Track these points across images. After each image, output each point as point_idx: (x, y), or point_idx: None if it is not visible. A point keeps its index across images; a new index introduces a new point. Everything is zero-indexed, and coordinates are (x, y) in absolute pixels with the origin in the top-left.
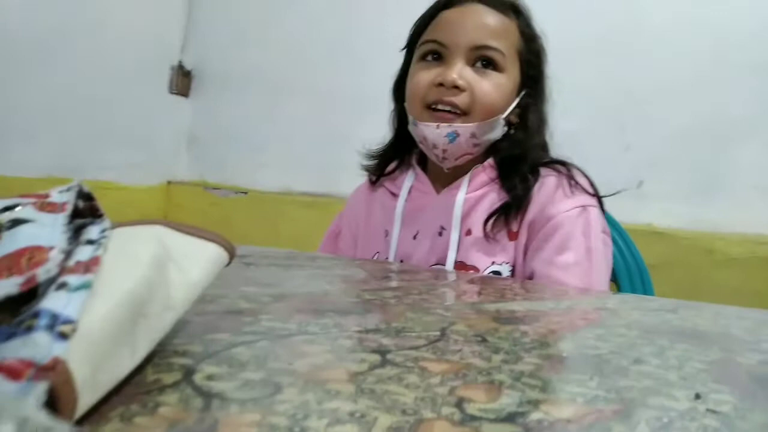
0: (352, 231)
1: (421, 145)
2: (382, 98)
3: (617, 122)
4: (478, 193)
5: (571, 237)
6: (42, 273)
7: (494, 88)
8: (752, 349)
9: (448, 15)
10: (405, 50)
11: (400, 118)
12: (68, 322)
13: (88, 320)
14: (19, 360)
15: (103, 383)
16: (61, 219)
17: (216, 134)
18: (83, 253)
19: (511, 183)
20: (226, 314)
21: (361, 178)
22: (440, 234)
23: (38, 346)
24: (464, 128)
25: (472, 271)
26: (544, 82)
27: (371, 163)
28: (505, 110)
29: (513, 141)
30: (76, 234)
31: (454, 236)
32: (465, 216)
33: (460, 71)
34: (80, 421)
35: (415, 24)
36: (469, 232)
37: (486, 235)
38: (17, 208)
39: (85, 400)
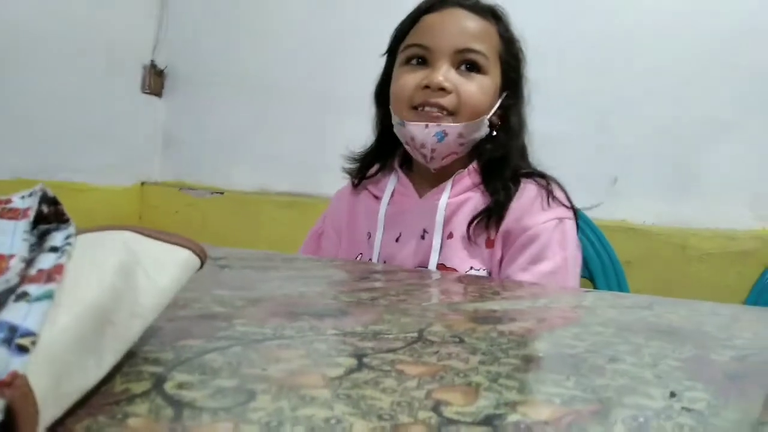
0: (336, 231)
1: (407, 146)
2: (360, 97)
3: (592, 120)
4: (460, 197)
5: (548, 247)
6: (1, 283)
7: (479, 89)
8: (725, 346)
9: (430, 19)
10: (387, 54)
11: (383, 121)
12: (28, 334)
13: (49, 331)
14: None
15: (67, 395)
16: (22, 225)
17: (191, 134)
18: (46, 261)
19: (494, 187)
20: (198, 319)
21: (342, 179)
22: (423, 237)
23: None
24: (452, 128)
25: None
26: (523, 85)
27: (353, 166)
28: (489, 111)
29: (496, 143)
30: (39, 240)
31: (437, 239)
32: (447, 220)
33: (445, 74)
34: None
35: (396, 28)
36: (450, 236)
37: (469, 238)
38: None
39: (49, 414)
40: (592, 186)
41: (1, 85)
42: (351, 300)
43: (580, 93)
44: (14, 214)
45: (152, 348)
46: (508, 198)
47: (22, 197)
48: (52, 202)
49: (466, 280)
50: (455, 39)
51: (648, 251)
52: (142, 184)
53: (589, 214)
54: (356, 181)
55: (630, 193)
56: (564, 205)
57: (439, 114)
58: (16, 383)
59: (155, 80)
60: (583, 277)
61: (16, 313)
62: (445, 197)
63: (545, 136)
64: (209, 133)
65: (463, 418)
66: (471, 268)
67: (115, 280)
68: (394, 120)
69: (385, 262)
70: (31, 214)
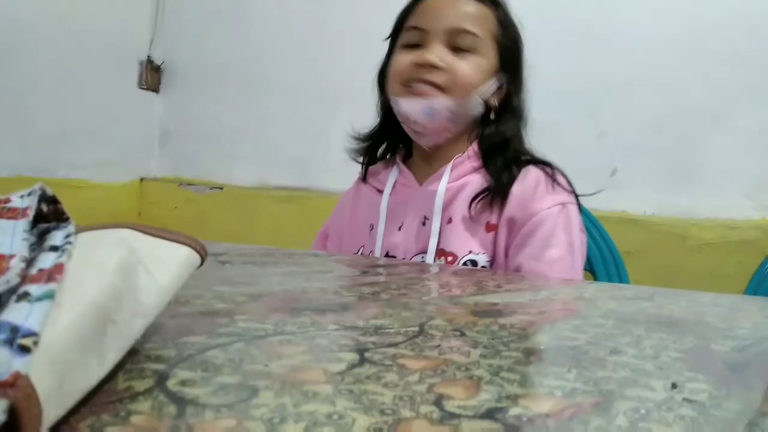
0: (338, 232)
1: (404, 126)
2: (359, 91)
3: (591, 111)
4: (459, 182)
5: (554, 233)
6: (1, 284)
7: (471, 67)
8: (726, 336)
9: (428, 3)
10: (389, 40)
11: (384, 106)
12: (30, 334)
13: (51, 331)
14: None
15: (70, 394)
16: (22, 225)
17: (189, 129)
18: (46, 260)
19: (495, 167)
20: (200, 316)
21: (340, 171)
22: (424, 224)
23: None
24: (441, 102)
25: (450, 258)
26: (522, 70)
27: (358, 147)
28: (483, 90)
29: (496, 127)
30: (39, 239)
31: (436, 224)
32: (447, 204)
33: (437, 52)
34: None
35: (399, 14)
36: (450, 220)
37: (471, 218)
38: None
39: (52, 414)
40: (591, 177)
41: None
42: (352, 295)
43: (574, 83)
44: (14, 214)
45: (154, 345)
46: (511, 179)
47: (21, 196)
48: (52, 200)
49: (466, 273)
50: (449, 20)
51: (648, 242)
52: (141, 180)
53: (589, 205)
54: (364, 174)
55: (629, 183)
56: (566, 190)
57: (430, 90)
58: (18, 384)
59: (152, 76)
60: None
61: (17, 314)
62: (444, 182)
63: (541, 128)
64: (207, 129)
65: (464, 412)
66: (470, 251)
67: (116, 279)
68: (391, 99)
69: (388, 252)
70: (31, 213)
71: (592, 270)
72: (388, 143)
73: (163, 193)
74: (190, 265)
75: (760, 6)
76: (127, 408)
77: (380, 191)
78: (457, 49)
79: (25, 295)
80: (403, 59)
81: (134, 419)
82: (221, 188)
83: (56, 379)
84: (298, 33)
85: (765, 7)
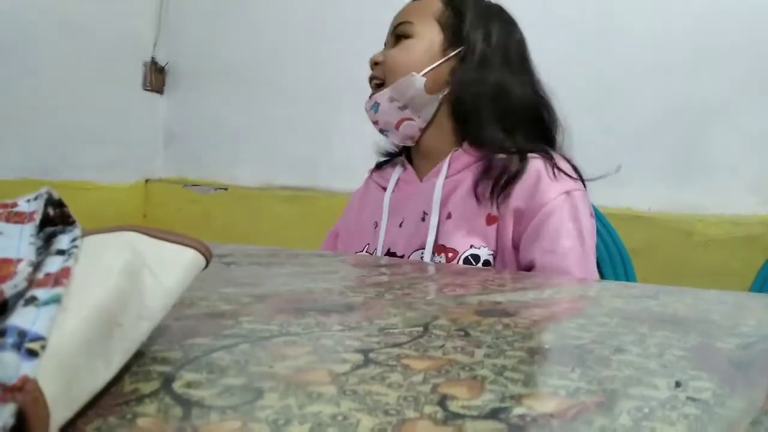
0: (346, 231)
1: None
2: (362, 91)
3: (595, 107)
4: (457, 176)
5: (563, 224)
6: (9, 288)
7: (400, 51)
8: (731, 334)
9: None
10: None
11: None
12: (37, 338)
13: (58, 335)
14: None
15: (77, 397)
16: (29, 229)
17: (193, 130)
18: (53, 264)
19: (479, 140)
20: (205, 317)
21: (345, 170)
22: (423, 219)
23: (5, 365)
24: (381, 95)
25: (450, 254)
26: (474, 41)
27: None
28: (422, 68)
29: (458, 95)
30: (46, 243)
31: (434, 220)
32: (445, 199)
33: (383, 51)
34: None
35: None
36: (449, 216)
37: (477, 199)
38: None
39: (59, 417)
40: (595, 173)
41: (3, 85)
42: (356, 295)
43: (577, 79)
44: (20, 218)
45: (160, 347)
46: (508, 161)
47: (28, 201)
48: (58, 204)
49: (470, 272)
50: (393, 22)
51: (654, 239)
52: (146, 181)
53: (594, 202)
54: (373, 169)
55: (634, 180)
56: (570, 177)
57: (376, 88)
58: (27, 387)
59: (156, 77)
60: None
61: (25, 318)
62: (442, 177)
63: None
64: (211, 129)
65: (469, 412)
66: (471, 246)
67: (122, 282)
68: None
69: (389, 248)
70: (37, 217)
71: (597, 267)
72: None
73: (167, 195)
74: (194, 268)
75: (765, 1)
76: (134, 410)
77: (385, 189)
78: (398, 43)
79: (33, 300)
80: None
81: (140, 421)
82: (226, 189)
83: (63, 382)
84: (302, 33)
85: None
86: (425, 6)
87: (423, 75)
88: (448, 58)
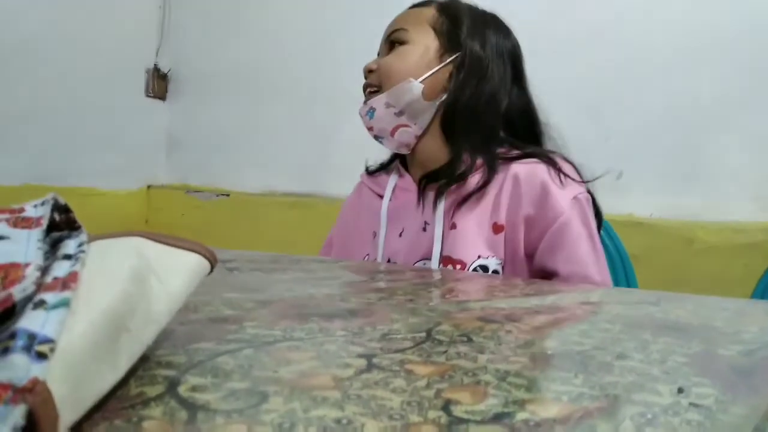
0: (342, 240)
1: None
2: (362, 97)
3: (595, 114)
4: (459, 184)
5: (578, 231)
6: (18, 292)
7: (396, 57)
8: (733, 341)
9: None
10: None
11: None
12: (46, 341)
13: (67, 338)
14: None
15: (84, 400)
16: (36, 234)
17: (196, 136)
18: (60, 268)
19: (458, 153)
20: (209, 322)
21: (347, 177)
22: (424, 229)
23: (16, 367)
24: (377, 101)
25: (459, 266)
26: (471, 47)
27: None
28: (418, 74)
29: (453, 102)
30: (53, 248)
31: (438, 230)
32: (448, 208)
33: (377, 58)
34: None
35: None
36: (453, 226)
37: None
38: None
39: (67, 419)
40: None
41: (7, 92)
42: (359, 301)
43: (574, 86)
44: (27, 223)
45: (165, 351)
46: (492, 158)
47: (35, 206)
48: (64, 209)
49: (472, 278)
50: (387, 30)
51: (654, 245)
52: (149, 187)
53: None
54: (365, 174)
55: (635, 186)
56: (575, 180)
57: (371, 94)
58: (36, 389)
59: (159, 84)
60: None
61: (34, 321)
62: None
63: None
64: (214, 136)
65: (472, 417)
66: (479, 256)
67: (128, 287)
68: None
69: (389, 259)
70: (44, 222)
71: None
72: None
73: (170, 201)
74: (200, 272)
75: (766, 7)
76: (139, 414)
77: (381, 196)
78: (393, 50)
79: (41, 303)
80: None
81: (146, 425)
82: (228, 195)
83: (71, 385)
84: (304, 40)
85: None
86: (419, 14)
87: (421, 81)
88: (446, 64)
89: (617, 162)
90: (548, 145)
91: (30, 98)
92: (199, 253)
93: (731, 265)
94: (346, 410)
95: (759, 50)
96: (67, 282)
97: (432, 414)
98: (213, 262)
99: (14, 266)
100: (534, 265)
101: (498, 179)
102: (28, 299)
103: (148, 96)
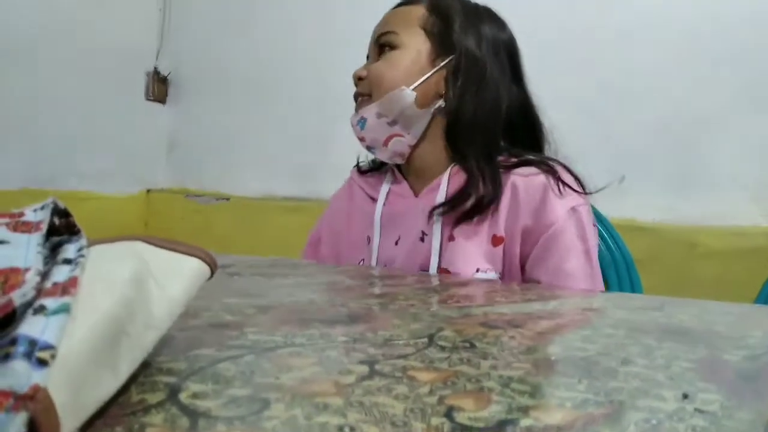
0: (332, 237)
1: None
2: None
3: (597, 118)
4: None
5: (570, 243)
6: (18, 297)
7: (386, 64)
8: (737, 346)
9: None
10: None
11: None
12: (47, 347)
13: (67, 344)
14: None
15: (85, 407)
16: (36, 239)
17: (195, 140)
18: (60, 273)
19: (472, 174)
20: (209, 328)
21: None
22: (422, 239)
23: (17, 374)
24: (368, 110)
25: None
26: (465, 48)
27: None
28: (411, 81)
29: (456, 112)
30: (52, 253)
31: (436, 243)
32: (446, 220)
33: (367, 64)
34: None
35: None
36: (451, 238)
37: (474, 226)
38: None
39: (69, 426)
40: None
41: (6, 95)
42: (360, 306)
43: (575, 91)
44: (27, 228)
45: (166, 358)
46: (496, 187)
47: (35, 210)
48: (63, 214)
49: (475, 284)
50: (377, 29)
51: (657, 249)
52: (148, 191)
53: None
54: (355, 170)
55: (637, 190)
56: (575, 191)
57: (362, 103)
58: (38, 396)
59: (159, 87)
60: None
61: (34, 327)
62: (441, 195)
63: (549, 134)
64: (214, 139)
65: (475, 424)
66: (478, 270)
67: (129, 292)
68: None
69: (385, 265)
70: (44, 227)
71: (603, 275)
72: None
73: (169, 205)
74: (200, 277)
75: (766, 9)
76: (141, 421)
77: (373, 199)
78: (381, 53)
79: (42, 309)
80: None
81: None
82: (228, 199)
83: (72, 391)
84: (304, 43)
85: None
86: (408, 13)
87: (413, 89)
88: (439, 68)
89: (619, 166)
90: (547, 147)
91: (29, 102)
92: (200, 257)
93: (734, 270)
94: (349, 417)
95: (763, 55)
96: (67, 287)
97: (435, 421)
98: (213, 267)
99: (14, 271)
100: (525, 276)
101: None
102: (28, 304)
103: (148, 99)
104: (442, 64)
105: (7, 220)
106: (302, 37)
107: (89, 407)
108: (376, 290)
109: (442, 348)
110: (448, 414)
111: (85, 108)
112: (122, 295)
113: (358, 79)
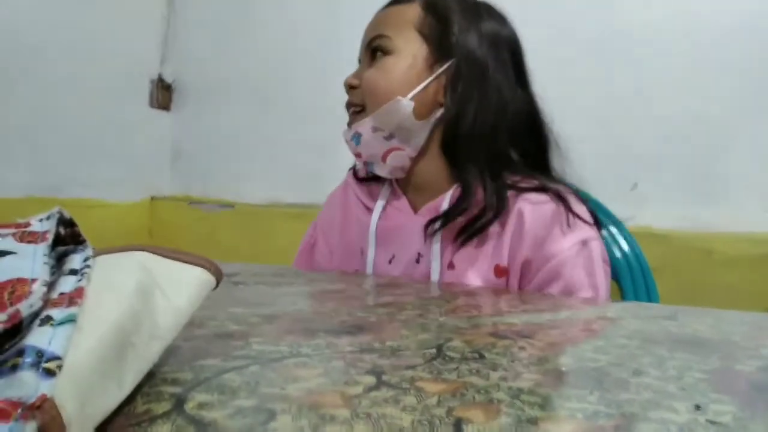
0: (327, 242)
1: None
2: None
3: (612, 127)
4: (460, 219)
5: (577, 279)
6: (25, 308)
7: (379, 71)
8: (752, 356)
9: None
10: None
11: None
12: (54, 358)
13: (73, 355)
14: (5, 400)
15: (92, 417)
16: (42, 249)
17: (200, 147)
18: (66, 284)
19: (468, 185)
20: (215, 338)
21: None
22: (417, 261)
23: (25, 384)
24: (362, 125)
25: None
26: (465, 51)
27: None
28: (407, 90)
29: (455, 123)
30: (58, 263)
31: (435, 265)
32: (446, 245)
33: (358, 71)
34: None
35: None
36: (451, 265)
37: (425, 233)
38: None
39: None
40: (612, 192)
41: (10, 103)
42: (367, 315)
43: (587, 97)
44: (33, 238)
45: (171, 368)
46: (501, 201)
47: (41, 220)
48: (69, 223)
49: (484, 293)
50: (368, 33)
51: (673, 258)
52: (152, 198)
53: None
54: (352, 173)
55: (653, 198)
56: (587, 223)
57: (356, 117)
58: (45, 406)
59: (163, 94)
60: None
61: (41, 338)
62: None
63: (562, 142)
64: (218, 147)
65: None
66: None
67: (134, 302)
68: None
69: None
70: (50, 237)
71: (618, 283)
72: None
73: (174, 212)
74: (205, 287)
75: None
76: (147, 431)
77: (370, 210)
78: (374, 58)
79: (48, 320)
80: None
81: None
82: (233, 206)
83: (79, 402)
84: (307, 49)
85: None
86: (402, 14)
87: (411, 99)
88: (438, 75)
89: (633, 174)
90: (557, 153)
91: (33, 109)
92: (205, 267)
93: (752, 278)
94: (356, 429)
95: None
96: (74, 298)
97: None
98: (219, 276)
99: (21, 281)
100: None
101: (502, 215)
102: (35, 315)
103: (152, 107)
104: (440, 70)
105: (13, 230)
106: (306, 44)
107: (95, 418)
108: (383, 300)
109: (451, 359)
110: (457, 426)
111: (90, 116)
112: (129, 306)
113: (350, 88)
